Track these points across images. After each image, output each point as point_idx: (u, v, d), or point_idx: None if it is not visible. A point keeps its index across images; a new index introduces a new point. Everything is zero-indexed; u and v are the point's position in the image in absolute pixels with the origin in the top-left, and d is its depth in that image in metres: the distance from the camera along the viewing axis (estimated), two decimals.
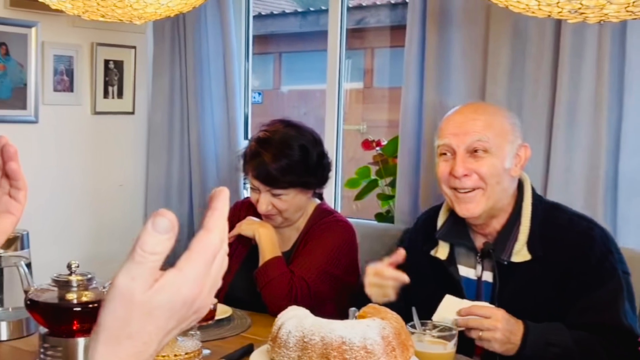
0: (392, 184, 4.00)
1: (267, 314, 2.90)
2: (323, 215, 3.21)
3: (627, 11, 1.96)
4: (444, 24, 3.57)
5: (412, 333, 2.17)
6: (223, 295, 2.99)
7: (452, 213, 2.73)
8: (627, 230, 3.14)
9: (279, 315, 2.04)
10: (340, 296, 3.01)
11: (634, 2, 1.90)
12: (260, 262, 3.03)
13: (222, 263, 0.98)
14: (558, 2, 1.96)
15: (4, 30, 4.11)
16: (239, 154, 3.31)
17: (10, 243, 2.68)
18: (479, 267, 2.66)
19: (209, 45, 4.57)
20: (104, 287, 2.33)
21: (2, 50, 4.11)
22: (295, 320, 1.96)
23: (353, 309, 2.15)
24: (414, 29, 3.66)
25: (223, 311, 2.86)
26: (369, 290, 2.58)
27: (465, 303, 2.41)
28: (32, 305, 2.31)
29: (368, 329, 1.89)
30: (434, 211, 2.88)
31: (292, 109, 7.15)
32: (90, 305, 2.28)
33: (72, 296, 2.30)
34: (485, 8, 3.42)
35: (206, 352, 2.37)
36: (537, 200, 2.66)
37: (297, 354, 1.87)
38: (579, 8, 1.97)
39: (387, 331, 1.90)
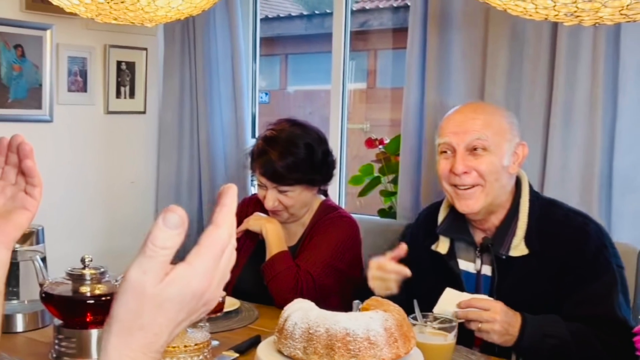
0: (395, 181, 4.00)
1: (274, 306, 2.90)
2: (328, 211, 3.21)
3: (621, 14, 1.96)
4: (444, 27, 3.57)
5: (414, 325, 2.17)
6: (231, 289, 2.99)
7: (452, 209, 2.73)
8: (621, 226, 3.14)
9: (285, 308, 2.04)
10: (344, 289, 3.01)
11: (627, 6, 1.90)
12: (267, 257, 3.03)
13: (230, 257, 0.98)
14: (554, 6, 1.96)
15: (20, 32, 4.11)
16: (246, 152, 3.31)
17: (26, 238, 2.69)
18: (478, 261, 2.66)
19: (218, 47, 4.57)
20: (116, 281, 2.34)
21: (18, 52, 4.11)
22: (301, 312, 1.96)
23: (357, 301, 2.15)
24: (415, 32, 3.66)
25: (231, 304, 2.86)
26: (372, 283, 2.58)
27: (465, 296, 2.41)
28: (47, 298, 2.32)
29: (371, 320, 1.89)
30: (435, 207, 2.88)
31: (298, 109, 7.16)
32: (103, 298, 2.29)
33: (85, 289, 2.30)
34: (484, 11, 3.42)
35: (215, 343, 2.37)
36: (534, 196, 2.66)
37: (302, 345, 1.87)
38: (575, 11, 1.97)
39: (390, 323, 1.90)
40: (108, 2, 2.40)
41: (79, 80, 4.45)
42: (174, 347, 2.00)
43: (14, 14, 4.11)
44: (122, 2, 2.40)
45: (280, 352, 1.94)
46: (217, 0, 2.68)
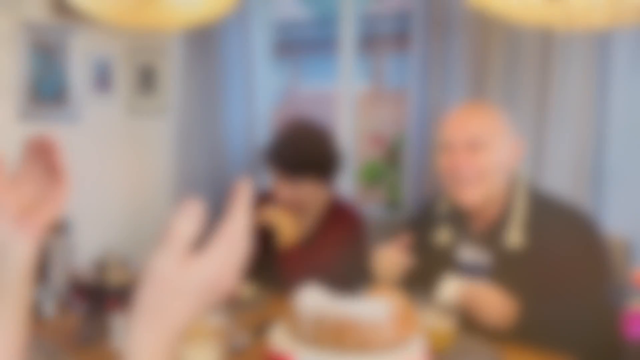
0: (400, 176, 4.01)
1: (286, 293, 2.91)
2: (337, 204, 3.22)
3: (612, 19, 1.95)
4: (445, 32, 3.57)
5: (417, 310, 2.17)
6: (245, 277, 3.00)
7: (452, 202, 2.74)
8: (612, 218, 3.14)
9: (297, 295, 2.05)
10: (352, 278, 3.02)
11: (618, 12, 1.90)
12: (280, 248, 3.04)
13: (244, 248, 0.98)
14: (549, 11, 1.95)
15: (47, 36, 4.12)
16: (261, 149, 3.32)
17: (54, 229, 2.70)
18: (477, 251, 2.66)
19: (234, 50, 4.57)
20: (138, 270, 2.35)
21: (45, 55, 4.12)
22: (312, 298, 1.96)
23: (364, 288, 2.16)
24: (418, 37, 3.66)
25: (246, 291, 2.87)
26: (379, 272, 2.59)
27: (465, 283, 2.42)
28: (74, 285, 2.32)
29: (378, 306, 1.89)
30: (436, 200, 2.88)
31: (309, 109, 7.17)
32: (126, 285, 2.30)
33: (110, 277, 2.31)
34: (482, 18, 3.42)
35: (230, 327, 2.37)
36: (530, 190, 2.66)
37: (313, 329, 1.88)
38: (568, 16, 1.96)
39: (395, 309, 1.90)
40: (131, 9, 2.41)
41: (103, 81, 4.46)
42: (191, 331, 2.00)
43: (42, 19, 4.12)
44: (143, 9, 2.41)
45: (291, 335, 1.95)
46: (233, 6, 2.68)
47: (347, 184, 4.37)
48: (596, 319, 2.39)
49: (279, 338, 1.96)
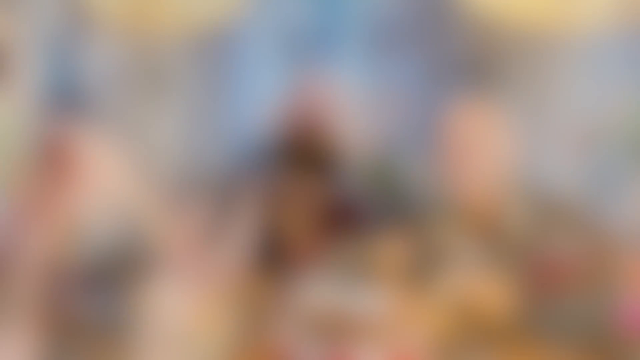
0: (400, 175, 4.02)
1: (289, 286, 2.92)
2: (339, 201, 3.23)
3: (611, 19, 1.97)
4: (445, 32, 3.57)
5: (417, 304, 2.18)
6: (250, 271, 3.01)
7: (452, 199, 2.75)
8: (610, 214, 3.15)
9: (300, 288, 2.06)
10: (354, 272, 3.03)
11: (618, 12, 1.91)
12: (283, 244, 3.05)
13: (248, 243, 1.00)
14: (543, 15, 1.97)
15: (59, 36, 4.13)
16: (265, 148, 3.33)
17: (67, 224, 2.71)
18: (477, 247, 2.67)
19: (238, 49, 4.57)
20: None
21: (57, 55, 4.13)
22: (314, 292, 1.97)
23: (366, 282, 2.17)
24: (419, 37, 3.67)
25: (250, 284, 2.89)
26: (380, 266, 2.60)
27: (465, 278, 2.43)
28: (87, 278, 2.33)
29: (379, 299, 1.90)
30: (437, 197, 2.90)
31: (312, 108, 7.17)
32: (137, 279, 2.31)
33: (121, 270, 2.32)
34: (482, 18, 3.43)
35: (234, 319, 2.38)
36: (529, 186, 2.67)
37: (315, 321, 1.89)
38: (563, 19, 1.98)
39: (396, 302, 1.91)
40: (137, 11, 2.42)
41: (113, 82, 4.47)
42: (197, 322, 2.02)
43: (56, 19, 4.12)
44: (150, 12, 2.42)
45: (294, 328, 1.96)
46: (239, 7, 2.69)
47: (348, 183, 4.37)
48: (594, 315, 2.40)
49: (281, 330, 1.97)
